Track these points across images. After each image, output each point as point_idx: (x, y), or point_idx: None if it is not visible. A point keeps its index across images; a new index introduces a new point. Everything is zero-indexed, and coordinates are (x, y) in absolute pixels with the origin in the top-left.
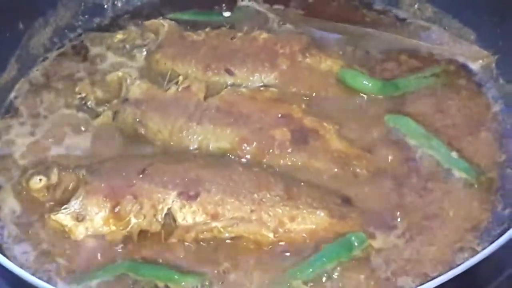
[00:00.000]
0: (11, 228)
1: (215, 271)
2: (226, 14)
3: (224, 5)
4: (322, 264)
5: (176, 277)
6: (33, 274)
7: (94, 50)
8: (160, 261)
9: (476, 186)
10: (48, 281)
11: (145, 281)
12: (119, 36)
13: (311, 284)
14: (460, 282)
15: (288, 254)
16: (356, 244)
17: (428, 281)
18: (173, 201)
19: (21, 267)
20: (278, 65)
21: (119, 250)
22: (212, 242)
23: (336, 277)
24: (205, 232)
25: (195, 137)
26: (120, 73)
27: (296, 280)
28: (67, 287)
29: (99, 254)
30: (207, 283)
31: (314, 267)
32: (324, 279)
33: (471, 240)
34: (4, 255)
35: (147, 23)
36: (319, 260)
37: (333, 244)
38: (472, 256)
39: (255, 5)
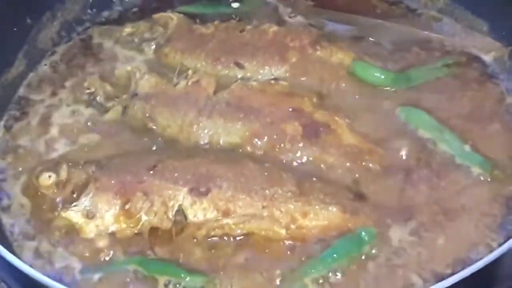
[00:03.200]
0: (21, 226)
1: (225, 269)
2: (235, 5)
3: None
4: (333, 260)
5: (182, 275)
6: (43, 272)
7: (102, 44)
8: (171, 258)
9: (490, 180)
10: (58, 279)
11: None
12: (128, 29)
13: (321, 281)
14: (476, 280)
15: (299, 250)
16: (366, 239)
17: (443, 279)
18: (184, 198)
19: (31, 265)
20: (288, 58)
21: (130, 248)
22: (223, 239)
23: (347, 273)
24: (216, 229)
25: (205, 132)
26: (129, 68)
27: (307, 277)
28: (76, 280)
29: (110, 252)
30: (216, 281)
31: (325, 264)
32: (335, 275)
33: (486, 236)
34: (14, 253)
35: (155, 16)
36: (329, 257)
37: (343, 240)
38: (488, 252)
39: None
